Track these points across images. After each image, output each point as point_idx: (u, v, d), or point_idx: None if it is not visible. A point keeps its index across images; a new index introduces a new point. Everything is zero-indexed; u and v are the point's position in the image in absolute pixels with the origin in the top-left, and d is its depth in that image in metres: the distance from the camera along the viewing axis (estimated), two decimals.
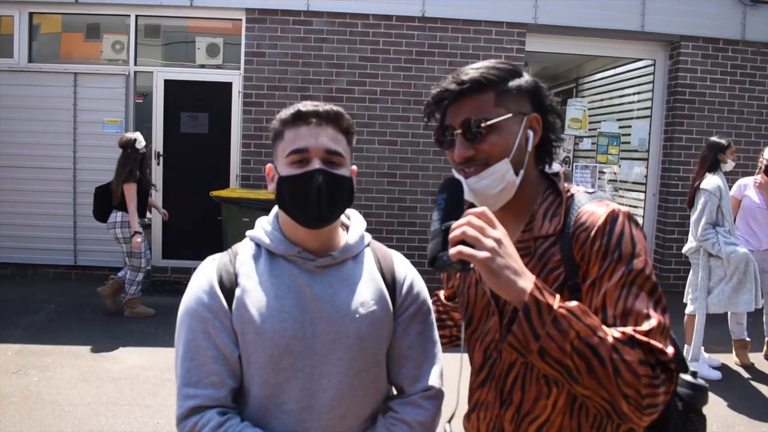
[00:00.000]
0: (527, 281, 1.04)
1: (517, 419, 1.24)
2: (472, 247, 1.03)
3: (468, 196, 1.22)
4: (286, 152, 1.31)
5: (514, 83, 1.24)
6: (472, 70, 1.23)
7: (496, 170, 1.21)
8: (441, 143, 1.28)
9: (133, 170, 5.58)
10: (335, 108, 1.34)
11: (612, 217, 1.15)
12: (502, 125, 1.21)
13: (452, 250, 1.03)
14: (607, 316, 1.10)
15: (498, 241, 1.04)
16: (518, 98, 1.24)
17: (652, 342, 1.04)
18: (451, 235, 1.05)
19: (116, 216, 5.62)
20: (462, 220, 1.06)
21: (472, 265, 1.05)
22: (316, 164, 1.29)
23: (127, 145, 5.62)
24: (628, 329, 1.06)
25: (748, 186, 5.22)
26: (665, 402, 1.05)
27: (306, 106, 1.32)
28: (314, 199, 1.28)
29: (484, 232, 1.04)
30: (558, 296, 1.05)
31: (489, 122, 1.20)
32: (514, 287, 1.03)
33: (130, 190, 5.53)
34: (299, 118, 1.31)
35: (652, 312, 1.08)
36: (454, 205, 1.13)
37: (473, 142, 1.21)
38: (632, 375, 1.01)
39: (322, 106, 1.32)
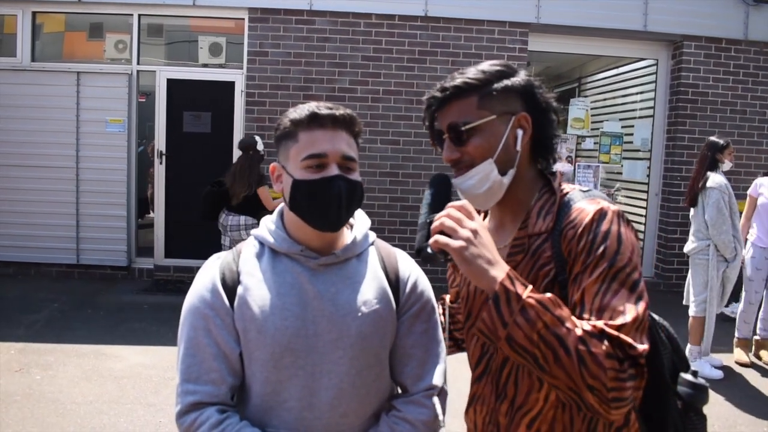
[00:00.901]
0: (500, 271, 1.08)
1: (511, 412, 1.28)
2: (450, 237, 1.09)
3: (461, 195, 1.29)
4: (302, 156, 1.30)
5: (500, 84, 1.26)
6: (459, 75, 1.28)
7: (480, 171, 1.25)
8: (434, 146, 1.34)
9: (262, 173, 5.50)
10: (349, 112, 1.34)
11: (600, 214, 1.17)
12: (484, 127, 1.24)
13: (431, 240, 1.10)
14: (584, 310, 1.12)
15: (474, 232, 1.09)
16: (504, 99, 1.26)
17: (622, 336, 1.06)
18: (432, 226, 1.12)
19: (239, 219, 5.49)
20: (442, 213, 1.12)
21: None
22: (334, 170, 1.29)
23: (249, 147, 5.53)
24: (600, 323, 1.08)
25: (763, 184, 5.22)
26: (634, 397, 1.07)
27: (321, 109, 1.31)
28: (335, 205, 1.29)
29: (461, 223, 1.10)
30: (530, 287, 1.08)
31: (468, 126, 1.24)
32: (486, 276, 1.08)
33: (266, 194, 5.45)
34: (315, 120, 1.30)
35: (629, 307, 1.09)
36: (441, 199, 1.19)
37: (457, 145, 1.26)
38: (597, 367, 1.02)
39: (338, 111, 1.31)
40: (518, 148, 1.26)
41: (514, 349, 1.06)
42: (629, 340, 1.06)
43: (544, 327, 1.04)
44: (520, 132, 1.26)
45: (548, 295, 1.08)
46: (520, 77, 1.29)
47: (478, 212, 1.46)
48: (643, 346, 1.07)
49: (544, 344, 1.04)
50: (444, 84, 1.27)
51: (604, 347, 1.04)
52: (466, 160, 1.26)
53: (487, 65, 1.29)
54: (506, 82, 1.27)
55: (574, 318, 1.07)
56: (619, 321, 1.07)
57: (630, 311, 1.08)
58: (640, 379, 1.06)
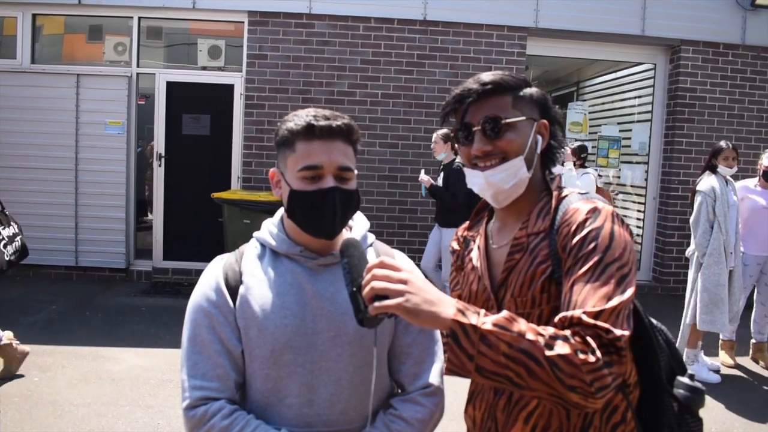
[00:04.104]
0: (447, 307, 1.07)
1: (508, 408, 1.30)
2: (386, 297, 1.06)
3: (482, 189, 1.32)
4: (299, 166, 1.32)
5: (527, 91, 1.34)
6: (491, 74, 1.32)
7: (512, 165, 1.29)
8: (461, 140, 1.35)
9: None
10: (347, 121, 1.35)
11: (593, 212, 1.21)
12: (518, 126, 1.30)
13: (370, 308, 1.07)
14: (571, 302, 1.13)
15: (404, 282, 1.07)
16: (530, 105, 1.33)
17: (598, 323, 1.08)
18: (363, 293, 1.09)
19: None
20: (367, 277, 1.09)
21: None
22: (329, 182, 1.31)
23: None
24: (578, 311, 1.09)
25: (748, 188, 5.20)
26: (618, 381, 1.08)
27: (319, 119, 1.32)
28: (330, 216, 1.31)
29: (389, 280, 1.07)
30: (482, 312, 1.09)
31: (508, 120, 1.29)
32: (437, 318, 1.06)
33: None
34: (311, 131, 1.31)
35: (613, 296, 1.11)
36: (357, 264, 1.17)
37: (491, 138, 1.29)
38: (571, 366, 1.03)
39: (335, 122, 1.33)
40: (538, 152, 1.33)
41: (486, 377, 1.07)
42: (605, 325, 1.07)
43: (508, 347, 1.05)
44: (539, 138, 1.34)
45: (501, 314, 1.08)
46: (537, 89, 1.36)
47: (486, 215, 1.48)
48: (621, 331, 1.08)
49: (513, 363, 1.04)
50: (481, 79, 1.31)
51: (570, 345, 1.05)
52: (498, 153, 1.30)
53: (507, 74, 1.34)
54: (530, 90, 1.35)
55: (534, 326, 1.08)
56: (597, 308, 1.09)
57: (612, 300, 1.10)
58: (619, 365, 1.07)
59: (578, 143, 6.41)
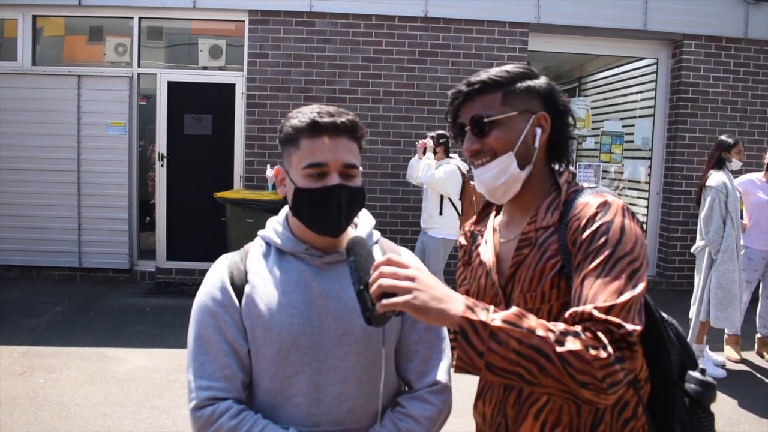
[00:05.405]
0: (456, 304, 1.06)
1: (518, 403, 1.30)
2: (394, 294, 1.05)
3: (478, 187, 1.33)
4: (303, 164, 1.31)
5: (523, 84, 1.31)
6: (484, 73, 1.32)
7: (500, 162, 1.29)
8: (456, 139, 1.37)
9: None
10: (351, 118, 1.34)
11: (604, 206, 1.19)
12: (505, 122, 1.29)
13: (377, 306, 1.06)
14: (581, 297, 1.12)
15: (412, 279, 1.06)
16: (527, 98, 1.31)
17: (609, 318, 1.06)
18: (371, 291, 1.07)
19: None
20: (374, 275, 1.08)
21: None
22: (334, 179, 1.30)
23: None
24: (589, 306, 1.08)
25: (753, 182, 5.18)
26: (630, 377, 1.07)
27: (323, 116, 1.31)
28: (335, 213, 1.31)
29: (396, 277, 1.06)
30: (491, 308, 1.07)
31: (491, 118, 1.28)
32: (446, 315, 1.05)
33: None
34: (316, 128, 1.31)
35: (624, 291, 1.10)
36: (364, 262, 1.16)
37: (478, 137, 1.30)
38: (583, 362, 1.02)
39: (339, 118, 1.32)
40: (536, 145, 1.31)
41: (497, 374, 1.05)
42: (617, 320, 1.06)
43: (518, 343, 1.03)
44: (538, 130, 1.31)
45: (510, 311, 1.07)
46: (542, 80, 1.34)
47: (493, 209, 1.47)
48: (632, 326, 1.07)
49: (523, 359, 1.03)
50: (470, 80, 1.32)
51: (581, 341, 1.04)
52: (487, 151, 1.30)
53: (511, 66, 1.34)
54: (529, 82, 1.32)
55: (544, 322, 1.07)
56: (608, 303, 1.08)
57: (623, 295, 1.09)
58: (631, 360, 1.06)
59: (438, 131, 5.66)
